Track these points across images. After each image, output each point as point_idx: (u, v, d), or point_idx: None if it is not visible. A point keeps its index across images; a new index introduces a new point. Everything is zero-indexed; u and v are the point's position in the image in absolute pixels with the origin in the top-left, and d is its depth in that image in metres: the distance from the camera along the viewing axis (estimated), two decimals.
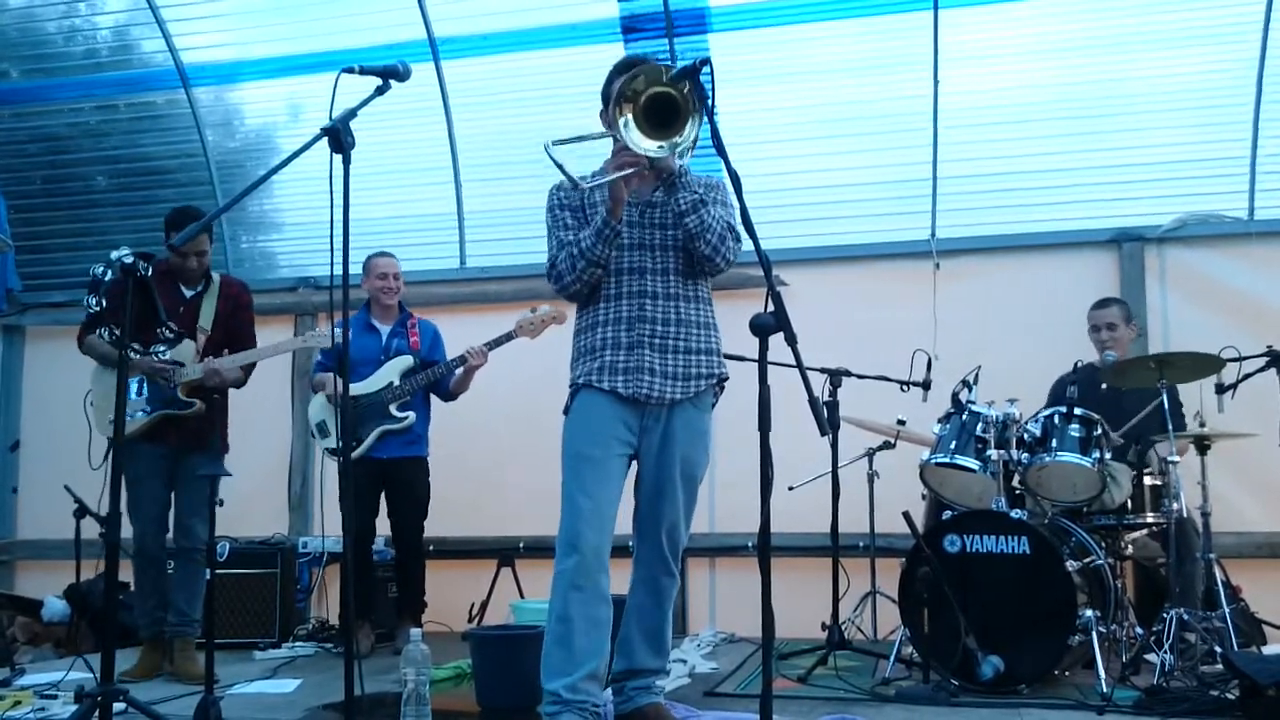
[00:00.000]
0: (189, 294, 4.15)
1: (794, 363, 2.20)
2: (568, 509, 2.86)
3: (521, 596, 4.96)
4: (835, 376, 4.25)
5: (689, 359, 2.96)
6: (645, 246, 2.95)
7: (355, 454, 4.63)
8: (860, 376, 4.36)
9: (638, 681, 3.01)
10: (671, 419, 2.94)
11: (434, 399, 4.89)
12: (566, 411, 2.98)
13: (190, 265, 4.08)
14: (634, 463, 2.98)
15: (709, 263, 2.92)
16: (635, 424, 2.93)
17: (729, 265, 2.96)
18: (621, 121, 2.66)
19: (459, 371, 4.71)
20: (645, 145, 2.68)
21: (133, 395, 3.98)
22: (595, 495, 2.84)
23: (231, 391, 4.19)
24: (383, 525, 4.84)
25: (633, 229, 2.95)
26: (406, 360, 4.76)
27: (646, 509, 2.97)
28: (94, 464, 4.01)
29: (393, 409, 4.68)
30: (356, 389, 4.69)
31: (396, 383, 4.71)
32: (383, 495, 4.76)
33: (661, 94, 2.65)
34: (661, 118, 2.67)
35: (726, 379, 3.08)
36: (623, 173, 2.75)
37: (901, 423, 4.36)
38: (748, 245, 2.40)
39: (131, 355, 3.83)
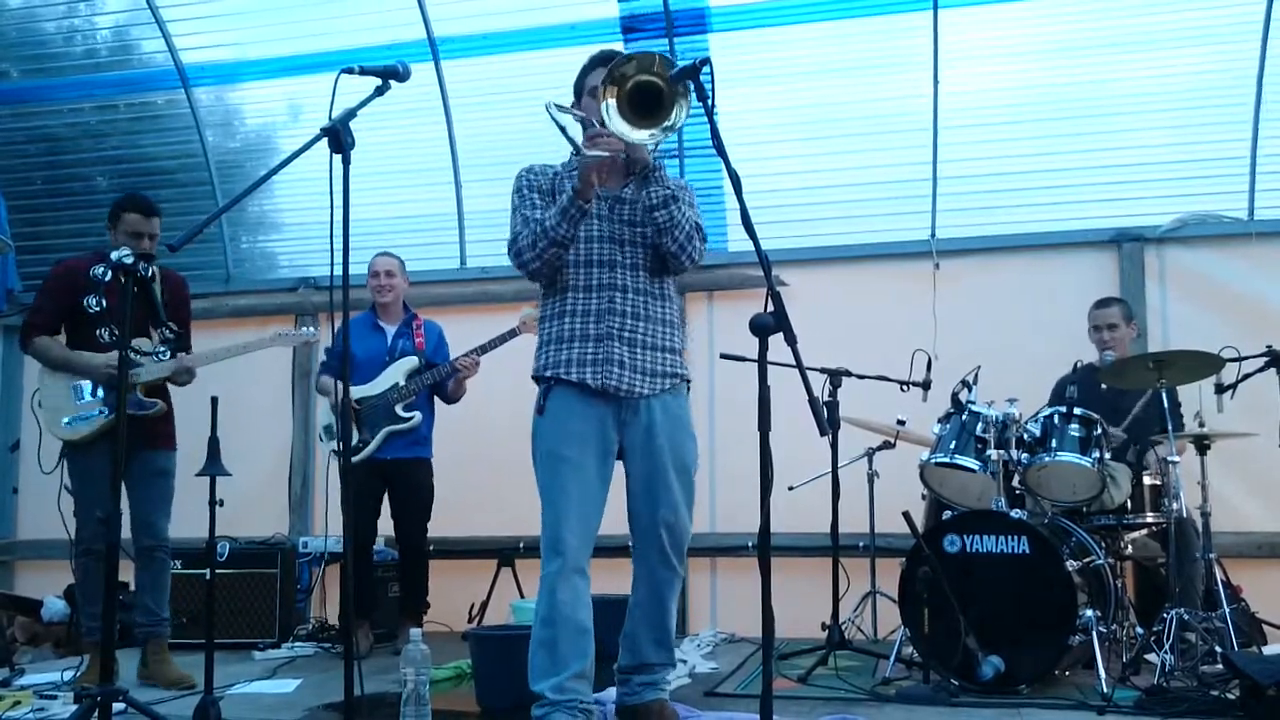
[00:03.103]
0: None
1: (794, 363, 2.20)
2: (549, 512, 2.84)
3: (521, 596, 4.97)
4: (835, 376, 4.25)
5: (656, 355, 2.94)
6: (615, 240, 2.94)
7: (362, 455, 4.64)
8: (860, 376, 4.36)
9: (644, 676, 3.00)
10: (650, 409, 2.92)
11: (438, 401, 4.89)
12: (540, 410, 2.92)
13: (144, 245, 3.93)
14: (619, 460, 2.95)
15: (674, 260, 2.91)
16: (613, 420, 2.90)
17: (694, 265, 2.95)
18: (604, 106, 2.63)
19: (455, 379, 4.71)
20: (629, 133, 2.64)
21: (87, 396, 3.91)
22: (576, 497, 2.82)
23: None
24: (385, 526, 4.84)
25: (602, 222, 2.93)
26: (412, 361, 4.76)
27: (641, 505, 2.94)
28: (45, 468, 3.94)
29: (398, 410, 4.68)
30: (362, 390, 4.70)
31: (402, 383, 4.71)
32: (385, 496, 4.76)
33: (647, 82, 2.63)
34: (645, 106, 2.64)
35: (690, 380, 3.06)
36: (598, 152, 2.71)
37: (901, 423, 4.35)
38: (748, 245, 2.40)
39: (132, 356, 3.82)
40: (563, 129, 2.72)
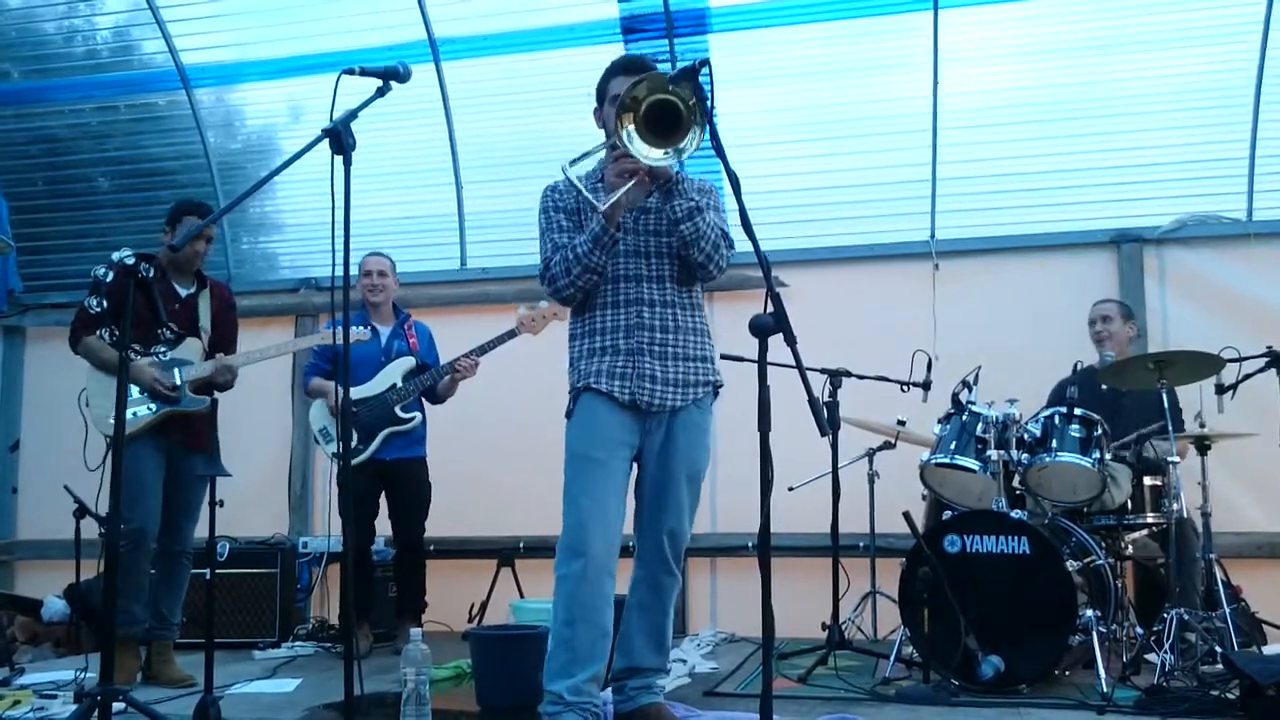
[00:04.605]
0: (184, 293, 4.12)
1: (794, 363, 2.20)
2: (572, 511, 2.85)
3: (521, 596, 4.97)
4: (835, 377, 4.26)
5: (687, 365, 2.95)
6: (641, 254, 2.94)
7: (362, 457, 4.64)
8: (860, 377, 4.37)
9: (639, 680, 3.00)
10: (673, 422, 2.94)
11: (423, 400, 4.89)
12: (569, 415, 2.97)
13: (198, 249, 4.04)
14: (635, 464, 2.97)
15: (702, 270, 2.92)
16: (638, 428, 2.92)
17: (721, 273, 2.97)
18: (624, 133, 2.63)
19: (447, 378, 4.72)
20: (650, 155, 2.65)
21: (135, 393, 3.95)
22: (601, 498, 2.83)
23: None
24: (382, 525, 4.85)
25: (628, 235, 2.93)
26: (409, 361, 4.77)
27: (649, 509, 2.96)
28: (91, 464, 3.97)
29: (398, 410, 4.69)
30: (359, 392, 4.68)
31: (400, 384, 4.71)
32: (382, 496, 4.76)
33: (662, 101, 2.62)
34: (663, 124, 2.63)
35: (721, 385, 3.07)
36: (627, 185, 2.72)
37: (901, 423, 4.36)
38: (748, 246, 2.40)
39: (132, 357, 3.83)
40: (580, 190, 2.74)
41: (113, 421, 3.88)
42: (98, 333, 4.00)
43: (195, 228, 3.39)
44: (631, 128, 2.64)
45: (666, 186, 2.87)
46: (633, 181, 2.73)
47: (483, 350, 4.66)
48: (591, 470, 2.85)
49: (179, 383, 4.00)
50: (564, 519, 2.87)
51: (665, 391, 2.90)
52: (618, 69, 2.97)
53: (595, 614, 2.79)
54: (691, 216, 2.85)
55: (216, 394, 4.06)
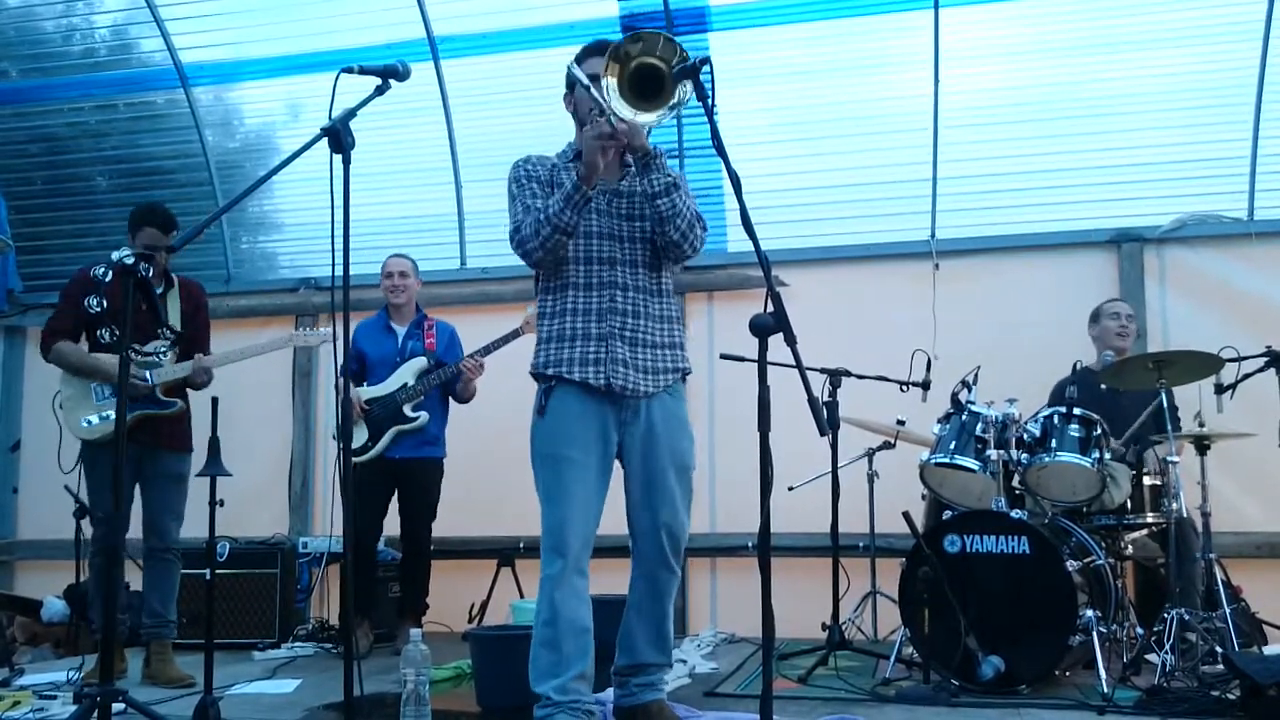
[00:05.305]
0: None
1: (794, 363, 2.19)
2: (552, 513, 2.82)
3: (521, 596, 4.97)
4: (835, 376, 4.25)
5: (658, 353, 2.93)
6: (615, 237, 2.91)
7: (370, 455, 4.66)
8: (860, 376, 4.36)
9: (642, 677, 2.99)
10: (650, 411, 2.91)
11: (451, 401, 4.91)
12: (541, 411, 2.90)
13: (159, 259, 3.99)
14: (617, 461, 2.94)
15: (676, 249, 2.88)
16: (613, 420, 2.88)
17: (695, 253, 2.93)
18: (604, 84, 2.58)
19: (461, 381, 4.74)
20: (633, 116, 2.60)
21: (107, 395, 3.94)
22: (579, 499, 2.81)
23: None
24: (390, 525, 4.85)
25: (601, 218, 2.91)
26: (421, 361, 4.79)
27: (640, 506, 2.93)
28: (65, 467, 3.98)
29: (406, 409, 4.70)
30: (374, 391, 4.73)
31: (411, 383, 4.73)
32: (394, 496, 4.78)
33: (650, 65, 2.57)
34: (645, 89, 2.59)
35: (689, 372, 3.05)
36: (603, 133, 2.67)
37: (901, 423, 4.35)
38: (748, 245, 2.39)
39: (132, 357, 3.82)
40: (587, 86, 2.66)
41: (85, 425, 3.94)
42: (98, 332, 4.00)
43: (197, 227, 3.38)
44: (613, 80, 2.58)
45: (644, 160, 2.81)
46: (608, 137, 2.67)
47: (487, 350, 4.68)
48: (568, 471, 2.82)
49: (152, 383, 3.98)
50: (544, 520, 2.84)
51: (637, 378, 2.87)
52: (590, 52, 2.92)
53: (573, 613, 2.78)
54: (669, 191, 2.81)
55: (215, 394, 4.06)
